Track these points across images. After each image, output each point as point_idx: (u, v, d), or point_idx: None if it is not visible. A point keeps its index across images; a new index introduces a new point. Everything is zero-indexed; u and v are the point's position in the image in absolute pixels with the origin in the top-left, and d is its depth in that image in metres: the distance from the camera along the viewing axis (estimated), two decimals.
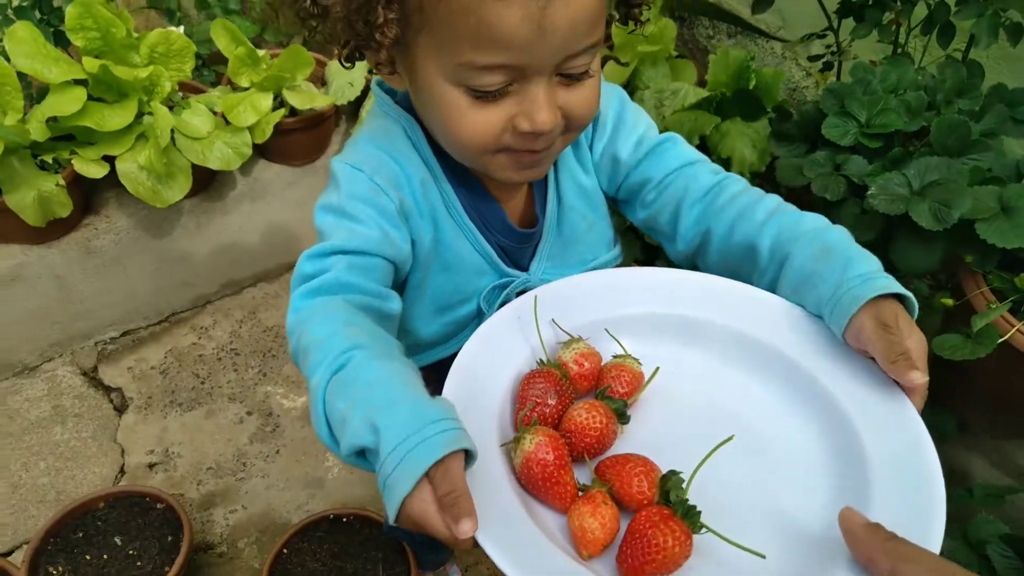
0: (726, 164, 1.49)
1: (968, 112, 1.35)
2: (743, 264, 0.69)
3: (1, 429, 1.64)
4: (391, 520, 0.50)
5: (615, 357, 0.62)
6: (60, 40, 1.62)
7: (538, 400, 0.56)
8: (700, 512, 0.49)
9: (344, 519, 1.40)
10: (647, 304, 0.65)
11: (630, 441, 0.57)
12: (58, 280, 1.65)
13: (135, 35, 1.53)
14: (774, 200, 0.70)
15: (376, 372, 0.53)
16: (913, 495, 0.51)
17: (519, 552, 0.46)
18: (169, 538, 1.36)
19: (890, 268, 1.27)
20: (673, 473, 0.51)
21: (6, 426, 1.64)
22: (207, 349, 1.81)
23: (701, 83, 1.66)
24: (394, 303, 0.66)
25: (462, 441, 0.48)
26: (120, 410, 1.69)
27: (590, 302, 0.65)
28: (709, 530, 0.49)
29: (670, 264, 0.73)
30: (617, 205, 0.82)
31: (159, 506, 1.40)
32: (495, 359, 0.59)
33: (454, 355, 0.61)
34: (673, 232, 0.75)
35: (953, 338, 1.17)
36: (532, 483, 0.53)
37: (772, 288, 0.67)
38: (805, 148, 1.39)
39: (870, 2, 1.49)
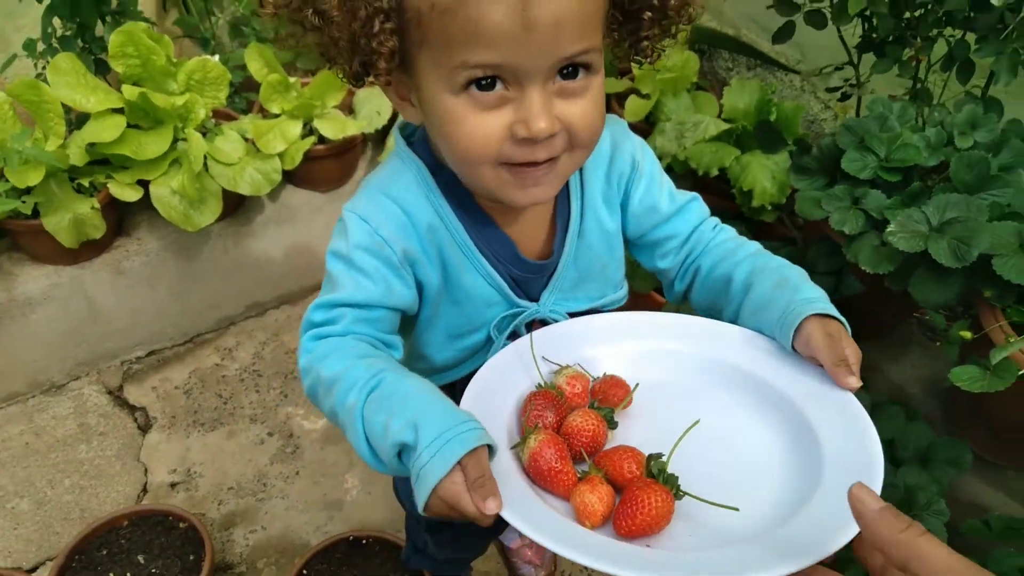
0: (747, 196, 1.52)
1: (985, 146, 1.37)
2: (719, 296, 0.79)
3: (28, 446, 1.67)
4: (420, 507, 0.57)
5: (604, 375, 0.72)
6: (100, 67, 1.67)
7: (539, 414, 0.65)
8: (679, 479, 0.60)
9: (363, 541, 1.41)
10: (630, 340, 0.75)
11: (619, 442, 0.67)
12: (88, 300, 1.69)
13: (174, 62, 1.58)
14: (754, 246, 0.81)
15: (409, 387, 0.62)
16: (855, 462, 0.60)
17: (539, 522, 0.55)
18: (191, 557, 1.38)
19: (904, 299, 1.28)
20: (656, 455, 0.62)
21: (33, 443, 1.67)
22: (230, 370, 1.84)
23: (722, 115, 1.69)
24: (397, 352, 0.73)
25: (487, 438, 0.57)
26: (144, 429, 1.72)
27: (579, 340, 0.74)
28: (687, 494, 0.59)
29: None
30: (631, 248, 0.87)
31: (181, 525, 1.42)
32: (501, 385, 0.68)
33: (466, 377, 0.69)
34: (677, 276, 0.84)
35: (971, 370, 1.17)
36: (539, 475, 0.61)
37: (736, 314, 0.76)
38: (824, 181, 1.41)
39: (891, 38, 1.52)
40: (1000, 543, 1.20)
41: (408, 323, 0.77)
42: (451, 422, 0.57)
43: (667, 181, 0.83)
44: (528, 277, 0.77)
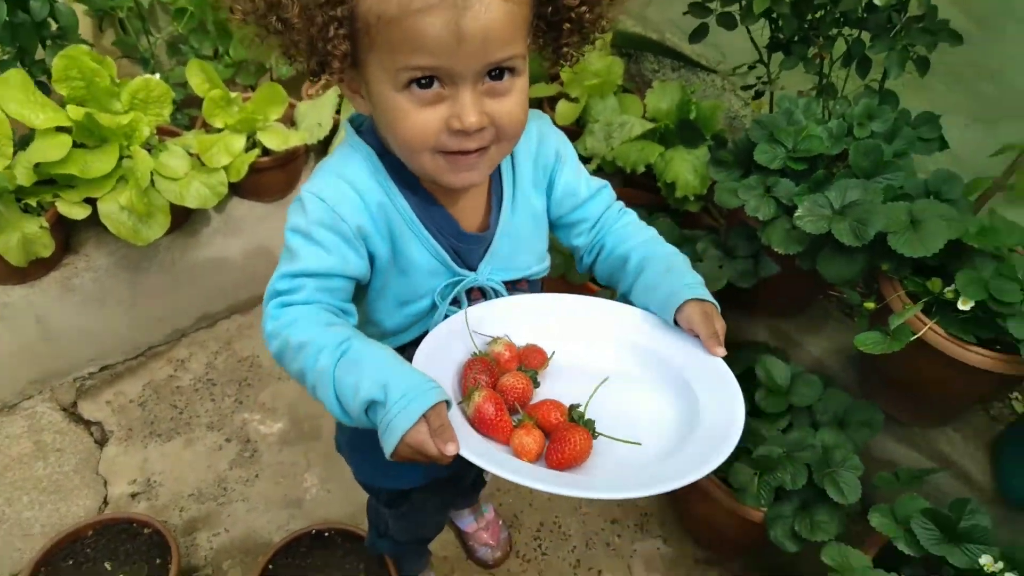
0: (672, 189, 1.63)
1: (882, 135, 1.51)
2: (617, 271, 0.94)
3: None
4: (388, 453, 0.68)
5: (527, 344, 0.85)
6: (42, 90, 1.69)
7: (477, 376, 0.78)
8: (595, 422, 0.75)
9: (325, 534, 1.47)
10: (549, 316, 0.89)
11: (542, 397, 0.80)
12: (38, 319, 1.71)
13: (117, 82, 1.62)
14: (650, 231, 0.96)
15: (375, 353, 0.72)
16: (725, 409, 0.77)
17: (488, 457, 0.68)
18: (157, 561, 1.42)
19: (816, 277, 1.41)
20: (575, 405, 0.77)
21: None
22: (184, 380, 1.87)
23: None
24: (352, 319, 0.81)
25: (444, 395, 0.69)
26: (101, 443, 1.74)
27: (507, 316, 0.86)
28: (601, 434, 0.75)
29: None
30: (552, 227, 0.98)
31: (146, 531, 1.46)
32: (442, 354, 0.80)
33: (413, 340, 0.83)
34: (587, 253, 0.97)
35: (872, 335, 1.30)
36: (483, 423, 0.74)
37: (630, 289, 0.91)
38: (740, 173, 1.53)
39: (795, 38, 1.65)
40: (906, 490, 1.33)
41: (360, 292, 0.85)
42: (415, 382, 0.69)
43: (583, 170, 0.95)
44: (468, 248, 0.87)
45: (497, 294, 0.90)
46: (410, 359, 0.75)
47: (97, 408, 1.80)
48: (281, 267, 0.79)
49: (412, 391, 0.67)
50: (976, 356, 1.30)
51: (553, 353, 0.84)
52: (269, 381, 1.88)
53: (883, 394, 1.56)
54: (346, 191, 0.79)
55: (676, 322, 0.84)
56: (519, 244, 0.91)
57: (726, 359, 0.83)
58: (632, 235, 0.94)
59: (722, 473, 1.43)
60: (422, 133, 0.73)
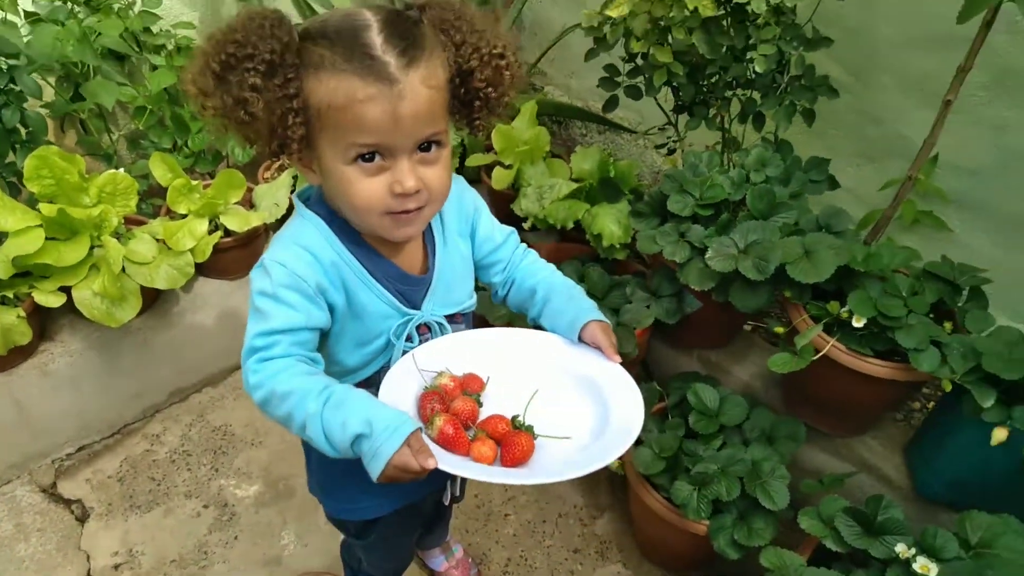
0: (599, 239, 1.81)
1: (777, 179, 1.71)
2: (526, 301, 1.13)
3: None
4: (375, 476, 0.80)
5: (465, 373, 1.00)
6: (12, 190, 1.83)
7: (432, 405, 0.93)
8: (533, 427, 0.93)
9: None
10: (481, 348, 1.04)
11: (487, 413, 0.96)
12: (16, 404, 1.80)
13: (85, 178, 1.76)
14: (549, 268, 1.16)
15: (354, 395, 0.85)
16: (629, 409, 0.95)
17: (457, 466, 0.84)
18: None
19: (728, 307, 1.58)
20: (515, 416, 0.95)
21: None
22: (160, 454, 1.96)
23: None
24: (320, 365, 0.94)
25: (418, 424, 0.83)
26: (82, 520, 1.81)
27: (447, 352, 1.02)
28: (540, 435, 0.93)
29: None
30: (492, 290, 1.18)
31: None
32: (400, 391, 0.94)
33: (371, 375, 0.98)
34: (500, 287, 1.16)
35: (783, 356, 1.48)
36: (446, 442, 0.88)
37: (539, 315, 1.10)
38: (657, 221, 1.72)
39: (696, 101, 1.87)
40: (831, 494, 1.48)
41: (323, 338, 0.99)
42: (393, 415, 0.82)
43: (495, 219, 1.14)
44: (411, 289, 1.01)
45: (441, 327, 1.04)
46: (372, 393, 0.88)
47: (76, 487, 1.87)
48: (255, 326, 0.89)
49: (393, 423, 0.81)
50: (874, 367, 1.48)
51: (488, 378, 1.01)
52: (243, 447, 1.98)
53: (806, 410, 1.73)
54: (302, 255, 0.91)
55: (581, 339, 1.03)
56: (453, 283, 1.07)
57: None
58: (537, 271, 1.14)
59: (666, 493, 1.57)
60: (370, 198, 0.87)
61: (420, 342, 1.02)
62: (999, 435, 1.34)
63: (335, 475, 1.14)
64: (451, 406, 0.93)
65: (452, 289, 1.06)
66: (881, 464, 1.69)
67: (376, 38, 0.82)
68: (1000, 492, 1.44)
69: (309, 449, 1.17)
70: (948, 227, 1.91)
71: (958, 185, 1.84)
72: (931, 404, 1.84)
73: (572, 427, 0.95)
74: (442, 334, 1.04)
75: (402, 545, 1.38)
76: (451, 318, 1.06)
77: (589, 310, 1.05)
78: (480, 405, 0.97)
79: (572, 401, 1.00)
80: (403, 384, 0.95)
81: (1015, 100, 1.67)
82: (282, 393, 0.86)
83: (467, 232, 1.09)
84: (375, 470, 0.80)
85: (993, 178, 1.78)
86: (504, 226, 1.15)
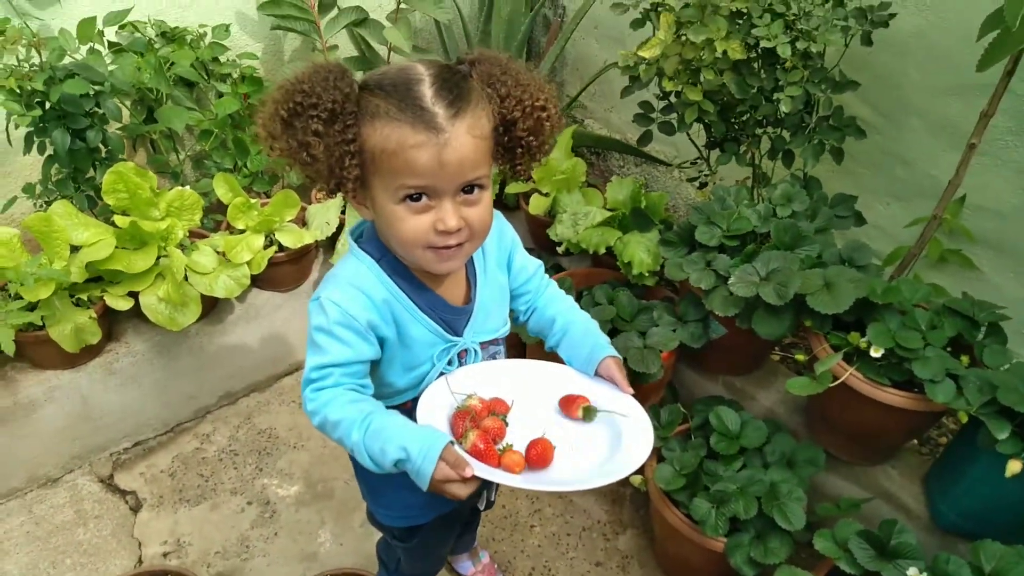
0: (628, 266, 1.90)
1: (803, 215, 1.79)
2: (545, 329, 1.24)
3: (29, 535, 1.87)
4: (424, 488, 0.92)
5: (493, 397, 1.11)
6: (91, 202, 1.99)
7: (464, 423, 1.03)
8: (555, 447, 1.04)
9: None
10: (507, 375, 1.16)
11: (511, 432, 1.07)
12: (83, 400, 1.94)
13: (156, 193, 1.91)
14: (569, 300, 1.26)
15: (390, 422, 0.96)
16: (641, 437, 1.05)
17: (492, 475, 0.94)
18: None
19: (753, 335, 1.65)
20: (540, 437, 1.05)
21: (34, 531, 1.88)
22: (209, 452, 2.09)
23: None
24: (369, 390, 1.05)
25: (448, 437, 0.94)
26: (135, 509, 1.94)
27: (478, 379, 1.13)
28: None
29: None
30: (517, 323, 1.27)
31: None
32: (435, 411, 1.06)
33: (419, 394, 1.06)
34: (522, 313, 1.26)
35: (801, 380, 1.54)
36: (478, 455, 0.98)
37: (556, 345, 1.22)
38: (685, 251, 1.80)
39: (727, 138, 1.96)
40: (844, 517, 1.53)
41: (375, 365, 1.09)
42: (424, 435, 0.93)
43: (526, 252, 1.24)
44: (455, 319, 1.10)
45: (476, 353, 1.14)
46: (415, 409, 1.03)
47: (132, 479, 2.01)
48: (312, 359, 1.01)
49: (426, 443, 0.92)
50: (890, 396, 1.54)
51: (513, 402, 1.11)
52: (286, 450, 2.10)
53: (827, 438, 1.78)
54: (356, 296, 1.01)
55: (597, 372, 1.15)
56: (491, 311, 1.16)
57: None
58: (557, 301, 1.25)
59: (686, 510, 1.63)
60: (415, 233, 0.96)
61: (459, 365, 1.12)
62: (1013, 467, 1.38)
63: (382, 485, 1.23)
64: (481, 424, 1.03)
65: (490, 317, 1.15)
66: (899, 493, 1.73)
67: (427, 91, 0.91)
68: (1014, 524, 1.47)
69: (355, 461, 1.26)
70: (975, 266, 1.95)
71: (985, 225, 1.89)
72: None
73: (586, 448, 1.07)
74: (478, 358, 1.15)
75: (440, 548, 1.46)
76: (487, 344, 1.16)
77: (605, 346, 1.17)
78: (506, 424, 1.07)
79: (588, 427, 1.11)
80: (436, 404, 1.06)
81: None
82: (333, 422, 0.98)
83: (505, 263, 1.19)
84: (423, 486, 0.93)
85: (1019, 220, 1.82)
86: (533, 258, 1.26)
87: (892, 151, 2.05)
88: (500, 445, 1.02)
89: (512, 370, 1.17)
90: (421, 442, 0.92)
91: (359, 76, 0.97)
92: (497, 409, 1.08)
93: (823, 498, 1.79)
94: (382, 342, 1.05)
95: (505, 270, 1.19)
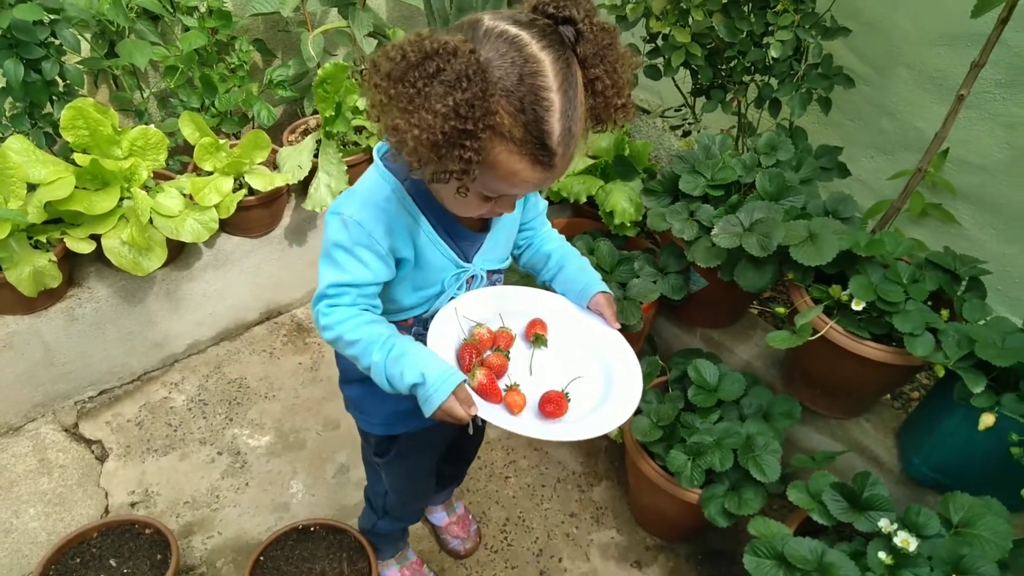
0: (610, 216, 1.86)
1: (788, 164, 1.75)
2: (538, 264, 1.26)
3: None
4: (428, 415, 0.96)
5: (500, 328, 1.13)
6: (48, 139, 1.89)
7: (471, 356, 1.06)
8: (569, 393, 1.07)
9: (312, 529, 1.64)
10: (509, 303, 1.18)
11: (514, 365, 1.11)
12: (44, 346, 1.88)
13: (118, 131, 1.82)
14: (561, 238, 1.28)
15: (412, 349, 0.99)
16: (631, 370, 1.11)
17: (494, 416, 0.98)
18: (158, 556, 1.58)
19: (734, 288, 1.62)
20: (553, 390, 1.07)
21: None
22: (178, 402, 2.04)
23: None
24: (379, 309, 1.06)
25: (463, 377, 0.97)
26: (101, 459, 1.90)
27: (484, 304, 1.15)
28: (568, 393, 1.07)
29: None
30: (515, 255, 1.27)
31: (147, 531, 1.61)
32: (443, 339, 1.07)
33: (422, 313, 1.11)
34: (516, 247, 1.26)
35: (781, 333, 1.53)
36: (484, 392, 1.03)
37: (551, 280, 1.24)
38: (668, 200, 1.76)
39: (713, 85, 1.91)
40: (818, 469, 1.54)
41: (386, 282, 1.07)
42: (443, 369, 0.96)
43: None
44: (468, 244, 1.10)
45: (482, 279, 1.15)
46: (418, 326, 1.10)
47: (97, 428, 1.95)
48: (329, 275, 1.01)
49: (443, 375, 0.95)
50: (870, 349, 1.53)
51: (515, 335, 1.14)
52: (257, 400, 2.06)
53: (804, 391, 1.78)
54: (380, 216, 0.99)
55: (587, 306, 1.19)
56: (500, 242, 1.15)
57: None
58: (553, 239, 1.27)
59: (662, 462, 1.63)
60: (473, 212, 0.97)
61: (465, 290, 1.13)
62: (986, 420, 1.38)
63: (365, 394, 1.24)
64: (486, 359, 1.07)
65: (499, 246, 1.15)
66: (873, 446, 1.74)
67: (555, 125, 0.83)
68: (984, 476, 1.48)
69: (345, 369, 1.28)
70: (956, 220, 1.94)
71: (968, 180, 1.87)
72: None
73: (582, 383, 1.10)
74: (482, 285, 1.16)
75: (420, 470, 1.45)
76: (493, 271, 1.17)
77: (597, 282, 1.20)
78: (509, 359, 1.10)
79: (579, 358, 1.15)
80: (446, 330, 1.09)
81: None
82: (349, 340, 1.00)
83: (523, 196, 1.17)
84: (427, 412, 0.96)
85: (1003, 175, 1.81)
86: (542, 197, 1.25)
87: (879, 102, 2.02)
88: (505, 382, 1.06)
89: (514, 297, 1.19)
90: (439, 373, 0.95)
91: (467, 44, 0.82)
92: (502, 340, 1.12)
93: (798, 450, 1.80)
94: (399, 263, 1.05)
95: (522, 202, 1.17)
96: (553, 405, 1.04)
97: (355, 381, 1.25)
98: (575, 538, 1.82)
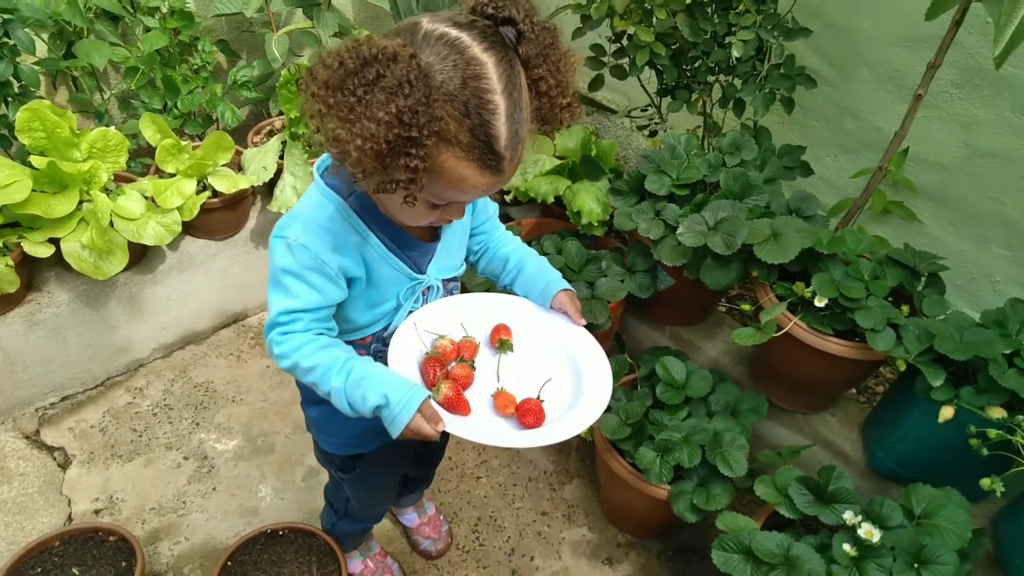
0: (578, 216, 1.87)
1: (753, 164, 1.77)
2: (497, 268, 1.25)
3: None
4: (395, 436, 0.93)
5: (463, 338, 1.12)
6: (5, 142, 1.85)
7: (435, 370, 1.04)
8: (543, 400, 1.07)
9: (280, 533, 1.62)
10: (470, 311, 1.16)
11: (481, 373, 1.10)
12: (2, 352, 1.83)
13: (76, 133, 1.79)
14: (517, 240, 1.27)
15: (372, 370, 0.97)
16: (599, 367, 1.11)
17: (462, 430, 0.96)
18: (123, 563, 1.55)
19: (700, 286, 1.64)
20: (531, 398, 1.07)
21: None
22: (142, 407, 2.00)
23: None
24: (334, 331, 1.04)
25: (427, 392, 0.96)
26: (64, 466, 1.86)
27: (444, 316, 1.14)
28: (542, 398, 1.07)
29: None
30: (470, 262, 1.27)
31: (111, 538, 1.58)
32: (405, 355, 1.06)
33: (378, 331, 1.09)
34: (473, 253, 1.26)
35: (747, 330, 1.54)
36: (449, 406, 1.01)
37: (511, 283, 1.22)
38: (635, 200, 1.77)
39: (678, 85, 1.92)
40: (785, 464, 1.56)
41: (339, 303, 1.05)
42: (406, 387, 0.94)
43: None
44: (420, 255, 1.07)
45: (439, 289, 1.13)
46: (377, 343, 1.06)
47: (60, 435, 1.92)
48: (279, 302, 0.97)
49: (406, 395, 0.93)
50: (833, 345, 1.55)
51: (479, 344, 1.13)
52: (224, 404, 2.03)
53: (770, 387, 1.80)
54: (326, 238, 0.96)
55: (551, 305, 1.18)
56: (452, 249, 1.13)
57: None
58: (508, 242, 1.26)
59: (631, 459, 1.64)
60: (419, 220, 0.95)
61: (422, 303, 1.11)
62: (946, 413, 1.41)
63: (327, 415, 1.21)
64: (450, 371, 1.05)
65: (452, 255, 1.13)
66: (838, 440, 1.76)
67: (502, 129, 0.81)
68: (945, 467, 1.52)
69: (305, 390, 1.24)
70: (917, 218, 1.97)
71: (928, 178, 1.91)
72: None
73: (552, 384, 1.10)
74: (440, 295, 1.13)
75: (383, 485, 1.44)
76: (449, 280, 1.14)
77: (558, 280, 1.19)
78: (474, 369, 1.09)
79: (547, 360, 1.14)
80: (406, 347, 1.07)
81: (983, 99, 1.73)
82: (307, 367, 0.98)
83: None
84: (394, 433, 0.94)
85: (960, 173, 1.85)
86: (492, 200, 1.24)
87: (841, 103, 2.05)
88: (488, 389, 1.07)
89: (475, 304, 1.17)
90: (401, 393, 0.93)
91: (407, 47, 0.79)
92: (466, 350, 1.10)
93: (765, 446, 1.82)
94: (350, 282, 1.02)
95: (470, 209, 1.16)
96: (532, 417, 1.03)
97: (316, 403, 1.20)
98: (547, 536, 1.82)
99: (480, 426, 1.01)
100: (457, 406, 1.01)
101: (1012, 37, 0.94)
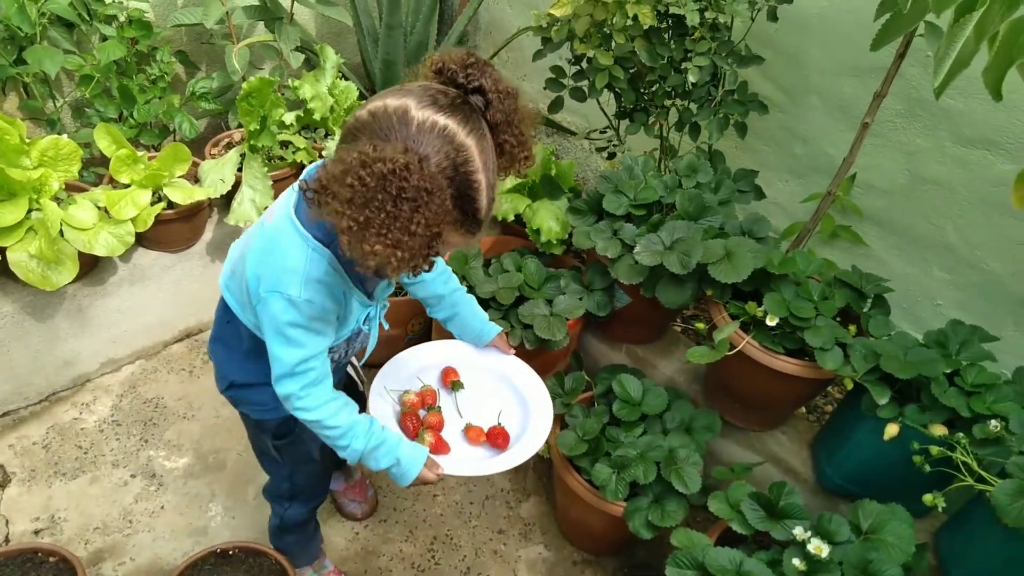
0: (537, 234, 1.88)
1: (708, 186, 1.82)
2: (432, 302, 1.42)
3: None
4: (403, 486, 1.19)
5: (423, 387, 1.38)
6: None
7: (412, 424, 1.29)
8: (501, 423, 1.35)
9: (230, 552, 1.58)
10: (419, 361, 1.42)
11: (444, 411, 1.36)
12: None
13: (26, 141, 1.74)
14: (455, 279, 1.43)
15: (384, 436, 1.19)
16: (536, 385, 1.40)
17: (454, 468, 1.24)
18: None
19: (657, 305, 1.66)
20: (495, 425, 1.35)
21: None
22: (89, 423, 1.95)
23: None
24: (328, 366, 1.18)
25: (426, 451, 1.22)
26: (3, 484, 1.79)
27: (401, 372, 1.39)
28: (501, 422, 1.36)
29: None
30: (407, 287, 1.41)
31: (52, 559, 1.52)
32: (382, 411, 1.31)
33: (336, 345, 1.21)
34: (410, 284, 1.40)
35: (701, 349, 1.57)
36: (435, 451, 1.26)
37: (446, 321, 1.44)
38: (593, 219, 1.80)
39: (636, 108, 1.96)
40: (737, 480, 1.59)
41: None
42: (412, 449, 1.20)
43: None
44: (372, 284, 1.20)
45: (386, 306, 1.27)
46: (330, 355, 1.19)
47: None
48: (293, 353, 1.08)
49: (413, 455, 1.19)
50: (783, 363, 1.59)
51: (439, 390, 1.38)
52: (174, 420, 1.98)
53: (724, 405, 1.83)
54: (324, 290, 1.06)
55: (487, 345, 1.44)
56: (386, 285, 1.26)
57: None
58: (447, 281, 1.41)
59: (588, 476, 1.65)
60: None
61: (366, 323, 1.25)
62: (891, 431, 1.46)
63: (250, 384, 1.28)
64: (425, 420, 1.31)
65: (387, 289, 1.26)
66: (789, 457, 1.80)
67: (484, 202, 0.94)
68: (890, 484, 1.56)
69: (225, 365, 1.31)
70: (864, 242, 2.04)
71: (874, 204, 1.98)
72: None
73: (505, 413, 1.36)
74: (382, 313, 1.27)
75: (319, 441, 1.46)
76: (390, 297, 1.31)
77: (491, 325, 1.44)
78: (441, 412, 1.34)
79: (493, 389, 1.41)
80: (384, 409, 1.31)
81: (925, 129, 1.80)
82: (329, 425, 1.15)
83: None
84: (402, 484, 1.20)
85: (904, 199, 1.92)
86: None
87: (792, 128, 2.12)
88: (458, 426, 1.33)
89: (421, 355, 1.42)
90: (410, 455, 1.18)
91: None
92: (428, 399, 1.35)
93: (718, 463, 1.85)
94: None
95: None
96: (503, 439, 1.29)
97: (241, 384, 1.29)
98: (503, 555, 1.82)
99: (468, 459, 1.26)
100: (440, 448, 1.26)
101: (950, 70, 0.99)
